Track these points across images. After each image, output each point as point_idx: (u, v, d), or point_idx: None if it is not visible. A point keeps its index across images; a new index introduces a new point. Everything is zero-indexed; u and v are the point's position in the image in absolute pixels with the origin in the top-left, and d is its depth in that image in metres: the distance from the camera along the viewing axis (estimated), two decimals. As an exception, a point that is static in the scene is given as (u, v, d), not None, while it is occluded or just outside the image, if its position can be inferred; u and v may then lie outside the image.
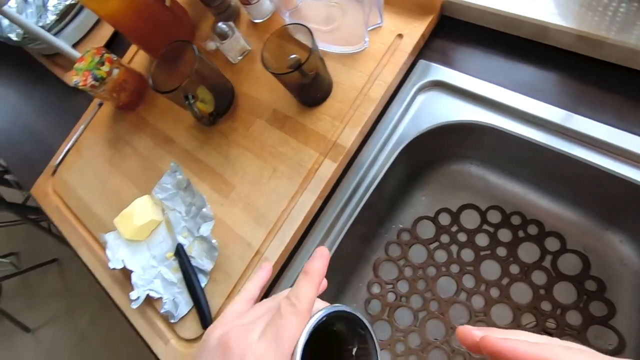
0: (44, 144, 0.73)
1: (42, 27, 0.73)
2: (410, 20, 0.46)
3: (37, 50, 0.80)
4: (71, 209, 0.59)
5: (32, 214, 1.61)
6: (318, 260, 0.24)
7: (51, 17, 0.73)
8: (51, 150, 0.69)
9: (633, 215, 0.43)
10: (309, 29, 0.40)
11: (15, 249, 2.05)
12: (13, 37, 0.74)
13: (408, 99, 0.46)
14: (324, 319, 0.22)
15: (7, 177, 1.64)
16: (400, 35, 0.46)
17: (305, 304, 0.22)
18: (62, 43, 0.69)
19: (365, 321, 0.23)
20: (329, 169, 0.44)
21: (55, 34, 0.73)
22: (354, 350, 0.25)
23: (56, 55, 0.77)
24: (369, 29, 0.47)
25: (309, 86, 0.44)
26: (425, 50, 0.47)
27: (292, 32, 0.43)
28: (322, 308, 0.22)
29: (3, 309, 1.78)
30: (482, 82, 0.44)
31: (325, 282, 0.29)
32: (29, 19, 0.76)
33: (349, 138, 0.44)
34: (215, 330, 0.23)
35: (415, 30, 0.45)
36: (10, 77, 0.88)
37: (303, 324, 0.21)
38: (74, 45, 0.76)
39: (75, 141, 0.64)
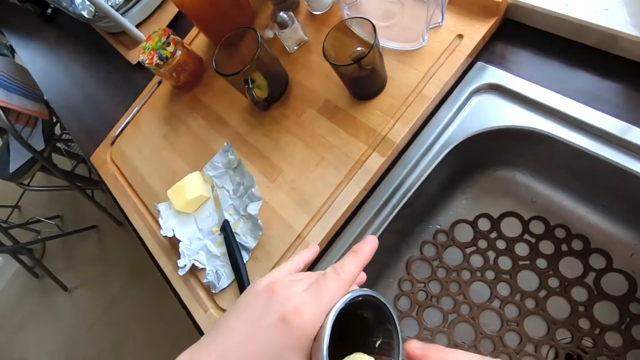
0: (103, 116, 0.78)
1: (112, 6, 0.77)
2: (472, 21, 0.46)
3: (104, 28, 0.85)
4: (126, 177, 0.64)
5: (79, 182, 1.72)
6: (368, 244, 0.26)
7: (120, -2, 0.78)
8: (110, 122, 0.73)
9: (690, 241, 0.41)
10: (372, 24, 0.41)
11: (60, 213, 2.20)
12: (85, 14, 0.80)
13: (462, 100, 0.46)
14: (360, 297, 0.23)
15: (59, 145, 1.76)
16: (460, 36, 0.46)
17: (348, 275, 0.24)
18: (128, 23, 0.73)
19: (396, 318, 0.25)
20: (376, 162, 0.45)
21: (122, 14, 0.78)
22: (378, 342, 0.26)
23: (121, 34, 0.82)
24: (429, 27, 0.48)
25: (364, 80, 0.45)
26: (484, 52, 0.47)
27: (355, 26, 0.44)
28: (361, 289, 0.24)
29: (46, 266, 1.92)
30: (540, 88, 0.43)
31: (364, 275, 0.30)
32: (100, -2, 0.81)
33: (399, 134, 0.45)
34: (264, 280, 0.26)
35: (476, 31, 0.45)
36: (78, 52, 0.94)
37: (343, 291, 0.23)
38: (137, 26, 0.81)
39: (134, 115, 0.69)
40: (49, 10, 1.03)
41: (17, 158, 1.49)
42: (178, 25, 0.77)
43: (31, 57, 1.06)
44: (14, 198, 2.16)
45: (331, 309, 0.22)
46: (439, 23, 0.47)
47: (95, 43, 0.89)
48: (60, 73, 0.95)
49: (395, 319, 0.24)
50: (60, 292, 2.00)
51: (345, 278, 0.23)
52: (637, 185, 0.39)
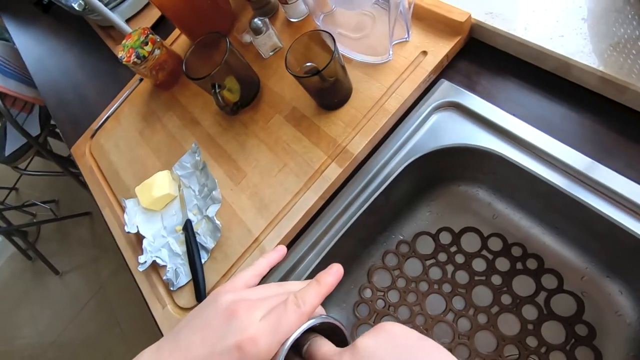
0: (89, 107, 0.79)
1: (102, 0, 0.79)
2: (437, 38, 0.46)
3: (95, 21, 0.86)
4: (102, 171, 0.65)
5: (74, 168, 1.75)
6: (332, 275, 0.26)
7: (111, -8, 0.79)
8: (94, 113, 0.75)
9: (638, 269, 0.42)
10: (332, 37, 0.41)
11: (56, 197, 2.23)
12: (75, 6, 0.81)
13: (423, 115, 0.47)
14: (316, 325, 0.24)
15: (57, 130, 1.78)
16: (424, 52, 0.46)
17: (308, 308, 0.24)
18: (116, 17, 0.74)
19: (342, 327, 0.26)
20: (334, 173, 0.46)
21: (112, 9, 0.79)
22: None
23: (110, 27, 0.84)
24: (395, 42, 0.48)
25: (328, 91, 0.46)
26: (449, 70, 0.48)
27: (320, 37, 0.45)
28: (318, 315, 0.25)
29: (39, 250, 1.95)
30: (498, 109, 0.44)
31: (341, 270, 0.30)
32: (92, -9, 0.82)
33: (358, 146, 0.46)
34: (228, 294, 0.26)
35: (440, 49, 0.46)
36: (70, 43, 0.96)
37: (301, 323, 0.24)
38: (127, 21, 0.82)
39: (115, 110, 0.70)
40: (46, 0, 1.05)
41: (13, 142, 1.52)
42: (165, 24, 0.78)
43: (26, 43, 1.08)
44: (13, 181, 2.19)
45: (286, 340, 0.23)
46: (405, 38, 0.48)
47: (87, 35, 0.91)
48: (52, 61, 0.96)
49: (343, 329, 0.26)
50: (52, 275, 2.03)
51: (305, 310, 0.24)
52: (589, 216, 0.39)
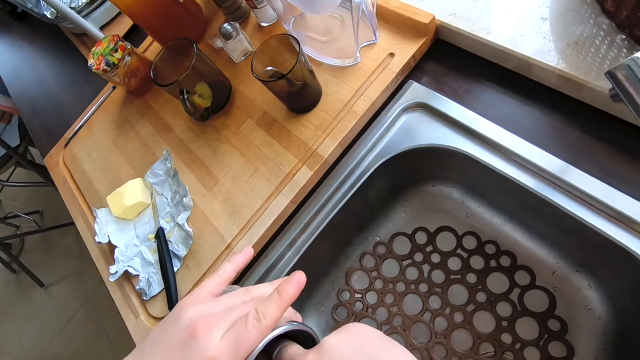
0: (63, 116, 0.78)
1: (74, 8, 0.78)
2: (404, 40, 0.47)
3: (69, 29, 0.85)
4: (76, 180, 0.64)
5: (57, 178, 1.71)
6: (293, 286, 0.25)
7: (83, 0, 0.78)
8: (69, 122, 0.74)
9: (606, 264, 0.42)
10: (297, 41, 0.42)
11: (40, 208, 2.19)
12: (48, 15, 0.80)
13: (392, 117, 0.47)
14: (289, 332, 0.24)
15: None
16: (392, 54, 0.47)
17: (269, 322, 0.24)
18: (89, 24, 0.74)
19: (314, 334, 0.25)
20: (305, 176, 0.46)
21: (86, 16, 0.78)
22: None
23: (84, 35, 0.83)
24: (363, 45, 0.48)
25: (297, 94, 0.46)
26: (417, 71, 0.48)
27: (287, 42, 0.45)
28: (282, 325, 0.25)
29: (24, 263, 1.91)
30: (467, 110, 0.44)
31: (304, 278, 0.29)
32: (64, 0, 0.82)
33: (328, 149, 0.46)
34: (190, 309, 0.25)
35: (407, 51, 0.46)
36: (44, 51, 0.94)
37: (263, 337, 0.23)
38: (102, 28, 0.81)
39: (89, 118, 0.69)
40: (20, 8, 1.03)
41: (-8, 153, 1.49)
42: (139, 30, 0.77)
43: (0, 52, 1.06)
44: (-6, 192, 2.15)
45: (252, 353, 0.23)
46: (373, 41, 0.48)
47: (61, 43, 0.90)
48: (26, 70, 0.95)
49: (313, 333, 0.25)
50: (37, 288, 1.99)
51: (265, 325, 0.23)
52: (557, 213, 0.40)
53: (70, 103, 0.80)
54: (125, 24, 0.79)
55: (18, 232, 2.02)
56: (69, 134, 0.70)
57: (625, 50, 0.36)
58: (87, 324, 1.79)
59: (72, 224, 1.84)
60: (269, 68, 0.44)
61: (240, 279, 0.48)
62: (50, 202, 2.18)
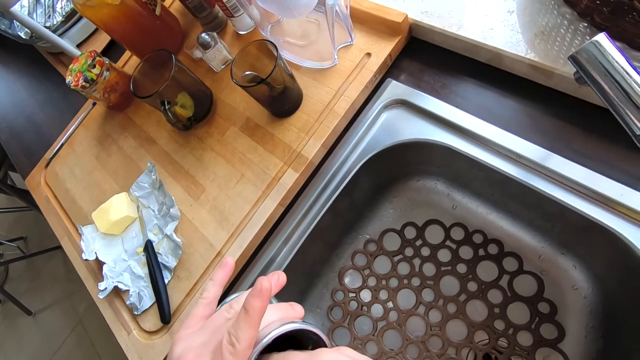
0: (43, 136, 0.77)
1: (50, 27, 0.77)
2: (379, 40, 0.48)
3: (44, 48, 0.85)
4: (59, 199, 0.63)
5: (40, 201, 1.67)
6: (258, 299, 0.23)
7: (58, 18, 0.77)
8: (48, 142, 0.73)
9: (587, 244, 0.44)
10: (275, 46, 0.42)
11: (23, 234, 2.13)
12: (22, 35, 0.79)
13: (373, 115, 0.48)
14: (266, 344, 0.24)
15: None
16: (368, 54, 0.48)
17: (244, 344, 0.23)
18: (64, 42, 0.73)
19: (313, 329, 0.25)
20: (290, 178, 0.46)
21: (61, 34, 0.78)
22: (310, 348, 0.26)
23: (61, 54, 0.82)
24: (340, 46, 0.49)
25: (278, 98, 0.47)
26: (394, 69, 0.49)
27: (265, 47, 0.45)
28: (267, 333, 0.24)
29: (8, 291, 1.85)
30: (444, 104, 0.45)
31: (284, 278, 0.28)
32: (39, 18, 0.81)
33: (312, 150, 0.46)
34: (178, 346, 0.26)
35: (382, 50, 0.47)
36: (20, 72, 0.93)
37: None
38: (79, 46, 0.80)
39: (69, 137, 0.68)
40: (-8, 30, 1.01)
41: (-30, 180, 1.45)
42: (118, 46, 0.77)
43: (-27, 77, 1.03)
44: (-26, 220, 2.08)
45: None
46: (349, 42, 0.49)
47: (37, 62, 0.88)
48: (1, 93, 0.93)
49: (313, 330, 0.25)
50: (24, 316, 1.93)
51: (240, 349, 0.23)
52: (536, 197, 0.41)
53: (49, 123, 0.79)
54: (102, 39, 0.78)
55: (1, 260, 1.96)
56: (49, 154, 0.69)
57: (587, 37, 0.38)
58: (78, 349, 1.74)
59: (58, 247, 1.79)
60: (248, 72, 0.45)
61: (232, 286, 0.48)
62: (34, 226, 2.13)
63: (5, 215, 2.19)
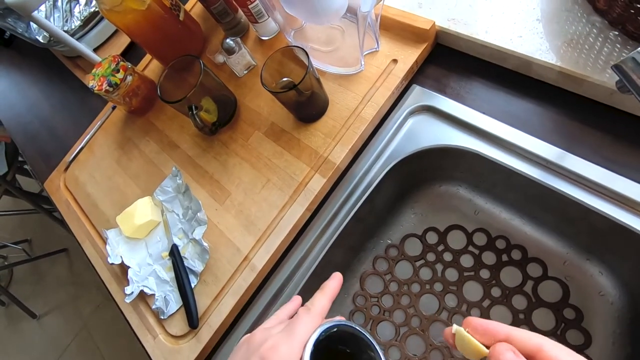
0: (59, 140, 0.77)
1: (67, 31, 0.78)
2: (405, 47, 0.48)
3: (61, 52, 0.85)
4: (79, 203, 0.63)
5: (47, 204, 1.68)
6: (333, 280, 0.29)
7: (76, 23, 0.78)
8: (65, 146, 0.73)
9: (614, 249, 0.44)
10: (306, 52, 0.43)
11: (28, 237, 2.13)
12: (40, 39, 0.80)
13: (399, 121, 0.49)
14: (335, 328, 0.24)
15: (26, 166, 1.71)
16: (395, 61, 0.48)
17: (318, 309, 0.26)
18: (84, 47, 0.73)
19: (375, 343, 0.25)
20: (318, 183, 0.46)
21: (79, 39, 0.78)
22: None
23: (78, 57, 0.82)
24: (366, 52, 0.50)
25: (305, 104, 0.47)
26: (419, 76, 0.50)
27: (293, 53, 0.46)
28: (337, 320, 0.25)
29: (12, 294, 1.84)
30: (470, 110, 0.46)
31: (341, 276, 0.31)
32: (56, 23, 0.81)
33: (339, 155, 0.47)
34: (262, 334, 0.27)
35: (409, 56, 0.47)
36: (35, 75, 0.93)
37: (316, 323, 0.25)
38: (95, 50, 0.81)
39: (89, 140, 0.68)
40: (7, 34, 1.02)
41: (-22, 182, 1.45)
42: (135, 50, 0.77)
43: (-13, 80, 1.04)
44: (-21, 223, 2.08)
45: (307, 340, 0.23)
46: (375, 48, 0.50)
47: (53, 66, 0.89)
48: (16, 96, 0.93)
49: (375, 345, 0.25)
50: (29, 319, 1.92)
51: (315, 311, 0.25)
52: (565, 203, 0.41)
53: (66, 127, 0.79)
54: (120, 44, 0.79)
55: (6, 263, 1.96)
56: (68, 157, 0.69)
57: (618, 45, 0.39)
58: (82, 353, 1.74)
59: (63, 250, 1.78)
60: (285, 79, 0.45)
61: (259, 289, 0.48)
62: (39, 229, 2.13)
63: (10, 218, 2.18)
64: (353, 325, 0.25)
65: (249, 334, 0.27)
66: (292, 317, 0.30)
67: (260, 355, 0.23)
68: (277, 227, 0.46)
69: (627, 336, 0.43)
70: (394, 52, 0.48)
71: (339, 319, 0.26)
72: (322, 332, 0.24)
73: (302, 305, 0.29)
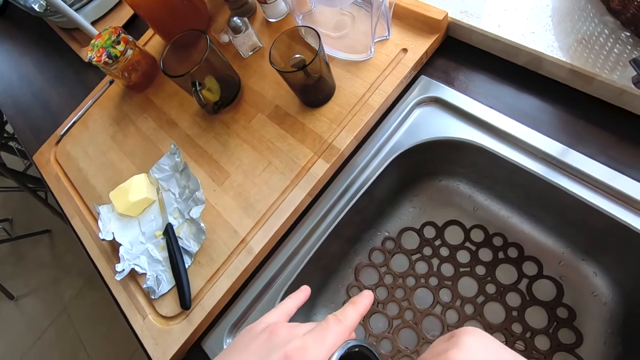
0: (51, 114, 0.75)
1: (65, 1, 0.75)
2: (416, 36, 0.48)
3: (57, 23, 0.82)
4: (70, 178, 0.61)
5: (31, 183, 1.63)
6: (366, 297, 0.27)
7: (75, -7, 0.75)
8: (58, 120, 0.70)
9: (610, 250, 0.44)
10: (317, 33, 0.42)
11: (9, 216, 2.07)
12: (36, 7, 0.77)
13: (406, 111, 0.48)
14: (357, 348, 0.24)
15: (10, 143, 1.66)
16: (404, 50, 0.48)
17: (350, 322, 0.24)
18: (82, 18, 0.71)
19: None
20: (321, 169, 0.46)
21: (77, 10, 0.76)
22: None
23: (75, 30, 0.80)
24: (376, 40, 0.49)
25: (312, 87, 0.46)
26: (428, 67, 0.49)
27: (302, 35, 0.45)
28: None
29: (-10, 273, 1.79)
30: (478, 103, 0.45)
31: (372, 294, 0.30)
32: (54, -8, 0.78)
33: (344, 141, 0.46)
34: (260, 324, 0.25)
35: (419, 46, 0.47)
36: (28, 46, 0.90)
37: (345, 337, 0.24)
38: (93, 23, 0.78)
39: (83, 114, 0.66)
40: (0, 1, 0.98)
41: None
42: (135, 25, 0.75)
43: (-23, 49, 1.00)
44: (-41, 199, 2.01)
45: (334, 352, 0.22)
46: (386, 37, 0.49)
47: (47, 38, 0.86)
48: (7, 67, 0.90)
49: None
50: (6, 301, 1.87)
51: (347, 324, 0.24)
52: (565, 200, 0.41)
53: (59, 100, 0.77)
54: (120, 19, 0.77)
55: (-15, 241, 1.90)
56: (60, 130, 0.67)
57: (629, 46, 0.39)
58: (61, 337, 1.69)
59: (46, 231, 1.73)
60: (297, 55, 0.44)
61: (254, 274, 0.47)
62: (21, 209, 2.07)
63: (-8, 196, 2.12)
64: (373, 350, 0.25)
65: (264, 324, 0.25)
66: (298, 307, 0.30)
67: (285, 353, 0.22)
68: (277, 211, 0.46)
69: (619, 336, 0.44)
70: (404, 41, 0.48)
71: (355, 338, 0.26)
72: (348, 347, 0.23)
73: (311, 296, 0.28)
